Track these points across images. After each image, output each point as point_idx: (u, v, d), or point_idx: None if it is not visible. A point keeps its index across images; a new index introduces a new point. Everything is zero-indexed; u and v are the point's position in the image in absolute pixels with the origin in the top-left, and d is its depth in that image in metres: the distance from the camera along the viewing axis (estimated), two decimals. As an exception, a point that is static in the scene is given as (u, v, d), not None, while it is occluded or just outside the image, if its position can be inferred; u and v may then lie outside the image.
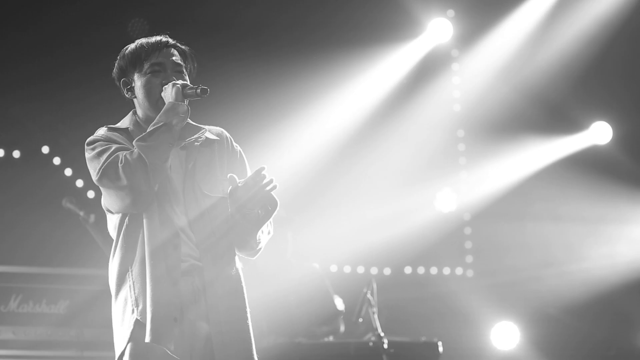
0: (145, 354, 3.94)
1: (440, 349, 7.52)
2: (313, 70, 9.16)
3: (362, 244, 9.61)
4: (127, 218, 4.07)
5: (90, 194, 8.45)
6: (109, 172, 3.96)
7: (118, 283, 4.07)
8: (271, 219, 4.24)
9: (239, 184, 4.01)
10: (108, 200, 4.06)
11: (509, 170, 10.12)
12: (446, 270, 10.25)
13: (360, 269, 9.83)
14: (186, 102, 4.08)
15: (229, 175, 4.04)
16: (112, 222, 4.14)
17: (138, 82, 4.19)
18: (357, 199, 9.68)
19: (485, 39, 9.97)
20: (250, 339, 4.14)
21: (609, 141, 10.25)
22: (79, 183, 8.59)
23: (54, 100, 8.45)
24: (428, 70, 9.98)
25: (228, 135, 4.34)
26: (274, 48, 8.95)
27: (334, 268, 9.74)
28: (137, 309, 3.98)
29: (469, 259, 10.32)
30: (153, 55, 4.17)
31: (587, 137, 10.26)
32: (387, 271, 9.96)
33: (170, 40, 4.24)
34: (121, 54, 4.26)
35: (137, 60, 4.18)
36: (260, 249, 4.24)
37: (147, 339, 3.92)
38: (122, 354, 3.99)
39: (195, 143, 4.17)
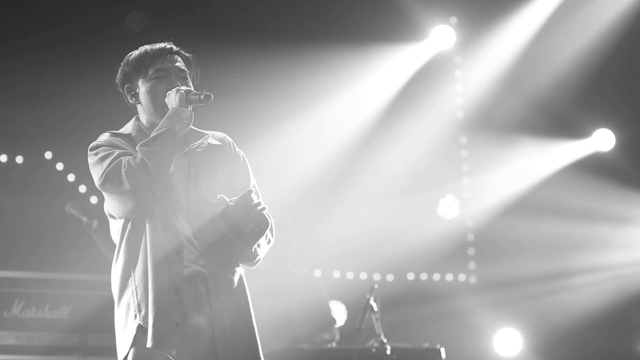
0: (149, 355, 3.94)
1: (443, 355, 7.51)
2: (313, 77, 9.17)
3: (365, 250, 9.61)
4: (129, 223, 4.06)
5: (94, 200, 8.46)
6: (111, 177, 3.96)
7: (120, 288, 4.07)
8: (273, 227, 4.23)
9: (230, 203, 4.01)
10: (110, 205, 4.06)
11: (511, 176, 10.12)
12: (449, 277, 10.24)
13: (363, 275, 9.83)
14: (190, 107, 4.08)
15: (218, 196, 4.03)
16: (115, 227, 4.14)
17: (142, 87, 4.20)
18: (360, 205, 9.67)
19: (487, 46, 9.98)
20: (257, 345, 4.14)
21: (612, 148, 10.24)
22: (82, 189, 8.60)
23: (57, 106, 8.46)
24: (431, 77, 9.98)
25: (231, 140, 4.34)
26: (275, 52, 8.94)
27: (336, 274, 9.74)
28: (140, 315, 3.98)
29: (472, 265, 10.32)
30: (157, 61, 4.17)
31: (589, 144, 10.26)
32: (390, 277, 9.95)
33: (175, 47, 4.25)
34: (125, 60, 4.26)
35: (141, 66, 4.19)
36: (259, 259, 4.22)
37: (149, 344, 3.92)
38: (125, 359, 4.00)
39: (198, 149, 4.17)
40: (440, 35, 9.93)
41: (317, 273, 9.40)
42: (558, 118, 10.15)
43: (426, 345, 7.79)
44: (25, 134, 8.53)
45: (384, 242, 9.70)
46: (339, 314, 9.00)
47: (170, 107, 4.07)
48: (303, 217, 8.72)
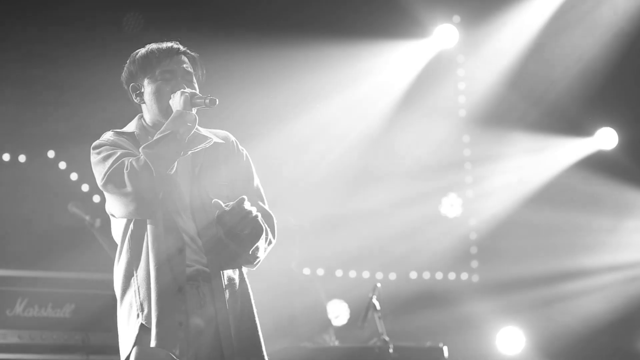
0: (150, 358, 3.94)
1: (446, 353, 7.51)
2: (314, 75, 9.18)
3: (368, 249, 9.62)
4: (132, 223, 4.07)
5: (96, 199, 8.46)
6: (114, 178, 3.95)
7: (123, 287, 4.07)
8: (275, 227, 4.25)
9: (226, 208, 4.01)
10: (112, 205, 4.06)
11: (514, 175, 10.12)
12: (451, 276, 10.24)
13: (366, 274, 9.83)
14: (194, 110, 4.07)
15: (213, 200, 4.04)
16: (117, 226, 4.14)
17: (148, 88, 4.19)
18: (363, 204, 9.67)
19: (490, 45, 9.98)
20: (260, 343, 4.15)
21: (615, 147, 10.24)
22: (85, 187, 8.60)
23: (60, 105, 8.46)
24: (433, 76, 9.98)
25: (234, 139, 4.34)
26: (278, 49, 8.94)
27: (339, 273, 9.74)
28: (142, 314, 3.98)
29: (475, 264, 10.32)
30: (164, 62, 4.17)
31: (592, 143, 10.26)
32: (392, 276, 9.96)
33: (182, 47, 4.23)
34: (131, 58, 4.25)
35: (147, 66, 4.18)
36: (259, 261, 4.22)
37: (152, 343, 3.92)
38: (127, 358, 4.00)
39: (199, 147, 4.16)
40: (443, 34, 9.93)
41: (320, 272, 9.41)
42: (561, 117, 10.15)
43: (429, 343, 7.80)
44: (28, 133, 8.52)
45: (386, 241, 9.70)
46: (342, 312, 9.00)
47: (174, 109, 4.06)
48: (305, 217, 8.72)
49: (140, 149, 3.98)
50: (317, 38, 9.09)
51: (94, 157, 4.09)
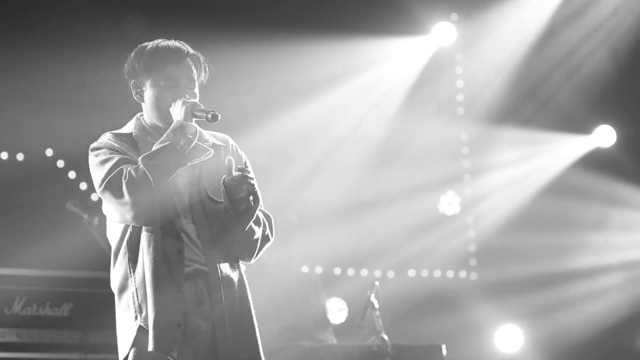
0: (150, 357, 3.93)
1: (444, 352, 7.52)
2: (310, 72, 9.18)
3: (366, 246, 9.62)
4: (130, 225, 4.04)
5: (94, 197, 8.45)
6: (112, 187, 3.93)
7: (121, 289, 4.07)
8: (273, 226, 4.24)
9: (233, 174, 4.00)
10: (109, 211, 4.05)
11: (512, 173, 10.12)
12: (450, 274, 10.25)
13: (364, 272, 9.83)
14: (194, 122, 4.04)
15: (227, 157, 4.04)
16: (114, 228, 4.13)
17: (150, 90, 4.15)
18: (361, 201, 9.67)
19: (488, 43, 9.98)
20: (258, 343, 4.14)
21: (613, 144, 10.24)
22: (83, 186, 8.59)
23: (58, 103, 8.45)
24: (432, 74, 9.98)
25: (233, 142, 4.32)
26: (276, 45, 8.93)
27: (337, 271, 9.74)
28: (141, 316, 3.97)
29: (473, 262, 10.32)
30: (169, 67, 4.11)
31: (591, 141, 10.26)
32: (390, 274, 9.95)
33: (190, 50, 4.18)
34: (137, 52, 4.20)
35: (152, 68, 4.13)
36: (257, 252, 4.21)
37: (150, 347, 3.91)
38: (126, 357, 4.00)
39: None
40: (441, 31, 9.92)
41: (318, 270, 9.41)
42: (559, 114, 10.15)
43: (427, 342, 7.80)
44: (26, 131, 8.51)
45: (384, 239, 9.70)
46: (340, 310, 9.01)
47: (174, 118, 4.03)
48: (303, 214, 8.73)
49: (139, 159, 3.95)
50: (315, 35, 9.08)
51: (92, 160, 4.06)
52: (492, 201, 10.17)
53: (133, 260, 4.03)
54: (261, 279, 7.83)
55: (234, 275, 4.15)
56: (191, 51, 4.19)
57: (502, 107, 10.06)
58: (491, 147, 10.12)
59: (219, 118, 4.01)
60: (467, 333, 9.70)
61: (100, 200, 4.05)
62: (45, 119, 8.45)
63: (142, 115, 4.25)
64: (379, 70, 9.72)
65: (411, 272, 10.06)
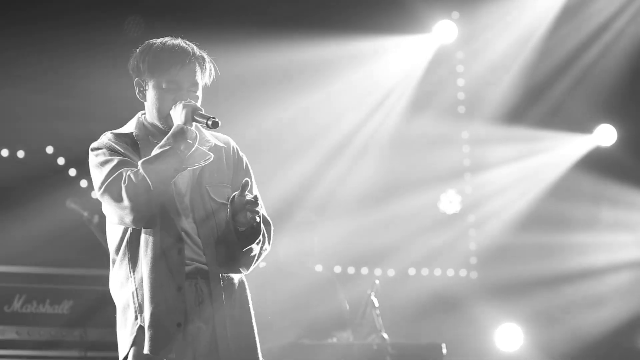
0: (148, 359, 3.93)
1: (444, 350, 7.52)
2: (311, 70, 9.17)
3: (366, 245, 9.61)
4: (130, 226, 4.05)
5: (94, 195, 8.44)
6: (111, 190, 3.92)
7: (121, 288, 4.06)
8: (271, 234, 4.23)
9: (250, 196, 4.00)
10: (109, 213, 4.04)
11: (513, 172, 10.11)
12: (450, 272, 10.24)
13: (364, 270, 9.82)
14: (194, 126, 4.01)
15: (245, 179, 4.01)
16: (114, 228, 4.12)
17: (152, 92, 4.13)
18: (362, 199, 9.67)
19: (489, 41, 9.98)
20: (256, 346, 4.13)
21: (614, 143, 10.24)
22: (83, 183, 8.59)
23: (59, 101, 8.45)
24: (432, 72, 9.98)
25: (234, 144, 4.31)
26: (275, 45, 8.92)
27: (337, 269, 9.73)
28: (140, 316, 3.97)
29: (473, 260, 10.32)
30: (173, 69, 4.08)
31: (591, 140, 10.25)
32: (391, 272, 9.95)
33: (195, 52, 4.15)
34: (142, 51, 4.17)
35: (156, 69, 4.10)
36: (253, 264, 4.19)
37: (146, 350, 3.91)
38: (125, 358, 3.99)
39: (203, 147, 4.12)
40: (442, 30, 9.91)
41: (318, 268, 9.40)
42: (560, 113, 10.14)
43: (427, 340, 7.80)
44: (26, 128, 8.51)
45: (385, 237, 9.70)
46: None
47: (175, 121, 4.01)
48: (302, 214, 8.74)
49: (139, 163, 3.93)
50: (315, 33, 9.08)
51: (92, 160, 4.06)
52: (492, 200, 10.16)
53: (133, 260, 4.02)
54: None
55: (235, 277, 4.15)
56: (197, 52, 4.16)
57: (503, 105, 10.05)
58: (492, 146, 10.11)
59: (219, 125, 3.97)
60: (468, 332, 9.70)
61: (100, 200, 4.04)
62: (45, 117, 8.45)
63: (143, 114, 4.24)
64: (380, 68, 9.71)
65: (411, 271, 10.06)
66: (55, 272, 7.52)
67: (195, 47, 4.17)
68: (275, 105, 9.09)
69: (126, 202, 3.89)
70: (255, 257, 4.17)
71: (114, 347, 4.09)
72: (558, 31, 9.91)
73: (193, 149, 3.98)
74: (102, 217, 4.53)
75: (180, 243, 4.01)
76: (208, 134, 4.24)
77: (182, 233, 4.03)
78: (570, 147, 10.24)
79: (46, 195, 8.38)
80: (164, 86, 4.10)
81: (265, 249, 4.23)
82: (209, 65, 4.19)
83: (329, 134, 9.50)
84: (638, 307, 10.01)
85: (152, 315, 3.93)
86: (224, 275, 4.09)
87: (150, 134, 4.13)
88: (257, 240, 4.11)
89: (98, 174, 4.00)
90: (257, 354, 4.13)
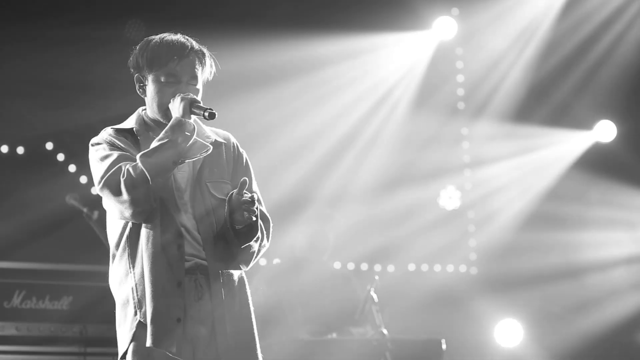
0: (148, 354, 3.94)
1: (444, 346, 7.52)
2: (310, 67, 9.17)
3: (366, 241, 9.61)
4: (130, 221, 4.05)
5: (94, 191, 8.44)
6: (110, 184, 3.93)
7: (120, 284, 4.07)
8: (270, 231, 4.24)
9: (247, 196, 4.00)
10: (109, 208, 4.06)
11: (512, 168, 10.12)
12: (450, 268, 10.24)
13: (364, 266, 9.83)
14: (192, 119, 4.02)
15: (242, 178, 4.02)
16: (114, 223, 4.13)
17: (151, 86, 4.14)
18: (361, 195, 9.67)
19: (489, 37, 9.98)
20: (255, 343, 4.14)
21: (613, 139, 10.24)
22: (83, 179, 8.59)
23: (59, 97, 8.45)
24: (432, 68, 9.98)
25: (235, 140, 4.32)
26: (272, 41, 8.92)
27: (337, 265, 9.73)
28: (140, 311, 3.97)
29: (473, 256, 10.32)
30: (171, 63, 4.10)
31: (591, 136, 10.25)
32: (390, 268, 9.95)
33: (195, 46, 4.16)
34: (142, 46, 4.18)
35: (154, 64, 4.12)
36: (252, 261, 4.19)
37: (148, 343, 3.91)
38: (125, 353, 4.00)
39: (201, 140, 4.12)
40: (442, 26, 9.91)
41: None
42: (560, 109, 10.15)
43: (427, 336, 7.80)
44: (26, 124, 8.52)
45: (385, 233, 9.70)
46: None
47: (173, 114, 4.02)
48: (303, 208, 8.75)
49: (137, 157, 3.94)
50: (314, 30, 9.08)
51: (92, 155, 4.07)
52: (492, 196, 10.16)
53: (133, 255, 4.03)
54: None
55: (234, 273, 4.16)
56: (196, 47, 4.17)
57: (503, 102, 10.05)
58: (491, 142, 10.11)
59: (216, 116, 3.98)
60: (467, 327, 9.70)
61: (100, 194, 4.04)
62: (45, 113, 8.45)
63: (144, 109, 4.25)
64: (380, 66, 9.72)
65: (411, 267, 10.06)
66: (55, 267, 7.52)
67: (194, 42, 4.18)
68: (277, 103, 9.11)
69: (125, 195, 3.90)
70: (254, 254, 4.17)
71: (114, 342, 4.10)
72: (558, 27, 9.92)
73: (191, 141, 3.98)
74: (102, 213, 4.54)
75: (180, 239, 4.02)
76: (208, 129, 4.25)
77: (182, 229, 4.04)
78: (570, 144, 10.24)
79: (46, 192, 8.38)
80: (162, 79, 4.11)
81: (264, 246, 4.23)
82: (209, 60, 4.19)
83: (329, 132, 9.49)
84: (637, 304, 10.01)
85: (152, 310, 3.93)
86: (224, 271, 4.09)
87: (151, 129, 4.14)
88: (255, 238, 4.11)
89: (98, 169, 4.01)
90: (256, 350, 4.13)
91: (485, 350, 9.91)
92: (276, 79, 9.08)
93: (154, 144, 3.95)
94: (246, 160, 4.32)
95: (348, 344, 7.35)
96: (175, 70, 4.10)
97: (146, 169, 3.88)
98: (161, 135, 3.96)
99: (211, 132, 4.25)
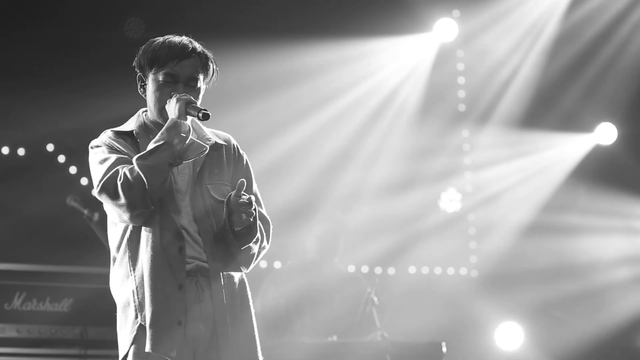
0: (148, 357, 3.93)
1: (444, 349, 7.52)
2: (312, 71, 9.18)
3: (367, 243, 9.61)
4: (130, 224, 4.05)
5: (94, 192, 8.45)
6: (108, 188, 3.93)
7: (121, 286, 4.06)
8: (270, 232, 4.25)
9: (245, 198, 3.99)
10: (107, 211, 4.06)
11: (514, 170, 10.11)
12: (450, 271, 10.23)
13: (365, 269, 9.82)
14: (188, 120, 4.02)
15: (240, 180, 4.02)
16: (114, 224, 4.13)
17: (150, 85, 4.14)
18: (362, 198, 9.67)
19: (490, 39, 9.97)
20: (256, 343, 4.14)
21: (614, 142, 10.24)
22: (84, 181, 8.59)
23: (60, 98, 8.45)
24: (433, 70, 9.97)
25: (235, 142, 4.31)
26: (274, 45, 8.93)
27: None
28: (141, 314, 3.97)
29: (474, 259, 10.31)
30: (171, 63, 4.09)
31: (592, 138, 10.24)
32: (391, 271, 9.94)
33: (197, 48, 4.15)
34: (145, 47, 4.19)
35: (154, 63, 4.12)
36: (253, 262, 4.19)
37: (147, 348, 3.91)
38: (126, 356, 3.99)
39: (198, 140, 4.12)
40: (443, 28, 9.91)
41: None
42: (561, 111, 10.14)
43: (427, 339, 7.80)
44: (27, 126, 8.52)
45: (385, 235, 9.69)
46: None
47: (169, 115, 4.01)
48: (304, 211, 8.75)
49: (133, 159, 3.94)
50: (314, 34, 9.09)
51: (91, 158, 4.07)
52: (493, 198, 10.15)
53: (133, 258, 4.02)
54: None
55: (235, 274, 4.15)
56: (198, 48, 4.16)
57: (504, 103, 10.05)
58: (492, 144, 10.11)
59: (210, 117, 3.98)
60: (468, 330, 9.70)
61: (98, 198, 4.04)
62: (46, 114, 8.45)
63: (144, 111, 4.25)
64: (380, 67, 9.72)
65: (412, 269, 10.06)
66: (56, 269, 7.52)
67: (197, 44, 4.18)
68: (283, 107, 9.13)
69: (122, 199, 3.90)
70: (254, 256, 4.17)
71: (114, 345, 4.09)
72: (559, 30, 9.91)
73: (187, 142, 3.98)
74: (103, 215, 4.54)
75: (180, 241, 4.01)
76: (209, 131, 4.25)
77: (183, 231, 4.03)
78: (571, 146, 10.23)
79: (46, 193, 8.38)
80: (160, 79, 4.11)
81: (264, 247, 4.23)
82: (212, 64, 4.19)
83: (328, 132, 9.50)
84: (638, 307, 10.01)
85: (153, 313, 3.92)
86: (225, 273, 4.09)
87: (151, 132, 4.13)
88: (255, 240, 4.11)
89: (96, 172, 4.01)
90: (257, 352, 4.13)
91: (485, 353, 9.91)
92: (281, 84, 9.08)
93: (150, 145, 3.95)
94: (247, 161, 4.31)
95: (349, 347, 7.34)
96: (175, 70, 4.10)
97: (142, 172, 3.88)
98: (157, 137, 3.96)
99: (211, 134, 4.24)
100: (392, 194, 9.75)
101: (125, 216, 3.94)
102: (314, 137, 9.38)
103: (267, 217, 4.27)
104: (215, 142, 4.21)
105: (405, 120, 9.85)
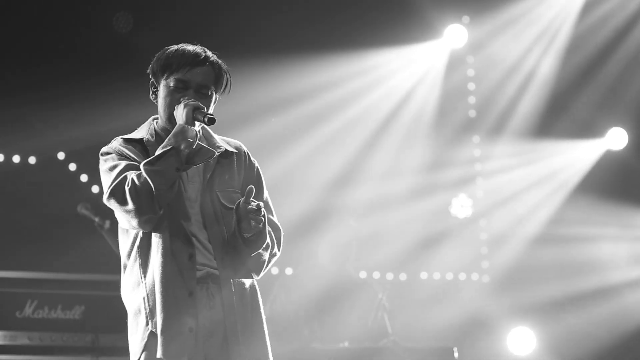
0: (159, 364, 3.95)
1: (456, 354, 7.52)
2: (325, 81, 9.19)
3: (378, 249, 9.61)
4: (140, 231, 4.05)
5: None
6: (116, 194, 3.94)
7: (132, 293, 4.07)
8: (281, 239, 4.25)
9: (253, 204, 4.00)
10: (117, 217, 4.07)
11: (524, 176, 10.11)
12: (462, 276, 10.22)
13: (376, 274, 9.82)
14: (197, 125, 4.04)
15: (249, 187, 4.03)
16: (124, 232, 4.14)
17: (161, 91, 4.15)
18: (373, 204, 9.67)
19: (500, 45, 9.98)
20: (267, 350, 4.14)
21: (625, 146, 10.23)
22: (95, 189, 8.61)
23: (71, 106, 8.46)
24: (443, 77, 9.98)
25: (246, 149, 4.32)
26: (282, 52, 8.94)
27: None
28: (152, 321, 3.98)
29: (485, 264, 10.30)
30: (183, 69, 4.11)
31: (603, 144, 10.24)
32: (403, 276, 9.94)
33: (210, 56, 4.17)
34: (159, 54, 4.20)
35: (167, 69, 4.13)
36: (263, 269, 4.21)
37: (159, 354, 3.92)
38: (137, 364, 4.01)
39: (206, 146, 4.13)
40: (453, 34, 9.91)
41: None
42: (571, 117, 10.13)
43: (439, 344, 7.79)
44: (38, 134, 8.54)
45: (396, 241, 9.69)
46: None
47: (177, 120, 4.02)
48: (315, 216, 8.76)
49: (141, 165, 3.95)
50: (325, 42, 9.11)
51: (101, 165, 4.09)
52: (504, 204, 10.15)
53: (144, 265, 4.03)
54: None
55: (246, 280, 4.16)
56: (211, 57, 4.17)
57: (514, 109, 10.04)
58: (503, 150, 10.10)
59: (215, 122, 4.00)
60: (479, 335, 9.68)
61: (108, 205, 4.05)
62: (57, 123, 8.48)
63: (155, 119, 4.26)
64: (391, 73, 9.73)
65: (423, 275, 10.05)
66: (67, 277, 7.54)
67: (211, 53, 4.19)
68: (301, 119, 9.16)
69: (130, 205, 3.90)
70: (265, 263, 4.18)
71: (126, 352, 4.10)
72: (570, 36, 9.91)
73: (195, 147, 3.99)
74: (114, 223, 4.55)
75: (191, 248, 4.02)
76: (219, 138, 4.26)
77: (193, 238, 4.04)
78: (581, 151, 10.23)
79: (57, 201, 8.40)
80: (172, 85, 4.12)
81: (275, 254, 4.24)
82: (225, 74, 4.20)
83: (340, 139, 9.51)
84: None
85: (164, 320, 3.93)
86: (235, 280, 4.09)
87: (160, 138, 4.13)
88: (265, 246, 4.12)
89: (106, 179, 4.02)
90: (268, 358, 4.13)
91: (498, 358, 9.89)
92: (295, 97, 9.10)
93: (158, 151, 3.95)
94: (258, 168, 4.31)
95: (360, 353, 7.34)
96: (186, 77, 4.11)
97: (149, 177, 3.89)
98: (165, 142, 3.98)
99: (222, 141, 4.25)
100: (404, 200, 9.75)
101: (134, 222, 3.95)
102: (329, 147, 9.40)
103: (278, 224, 4.27)
104: (226, 149, 4.22)
105: (419, 128, 9.86)
